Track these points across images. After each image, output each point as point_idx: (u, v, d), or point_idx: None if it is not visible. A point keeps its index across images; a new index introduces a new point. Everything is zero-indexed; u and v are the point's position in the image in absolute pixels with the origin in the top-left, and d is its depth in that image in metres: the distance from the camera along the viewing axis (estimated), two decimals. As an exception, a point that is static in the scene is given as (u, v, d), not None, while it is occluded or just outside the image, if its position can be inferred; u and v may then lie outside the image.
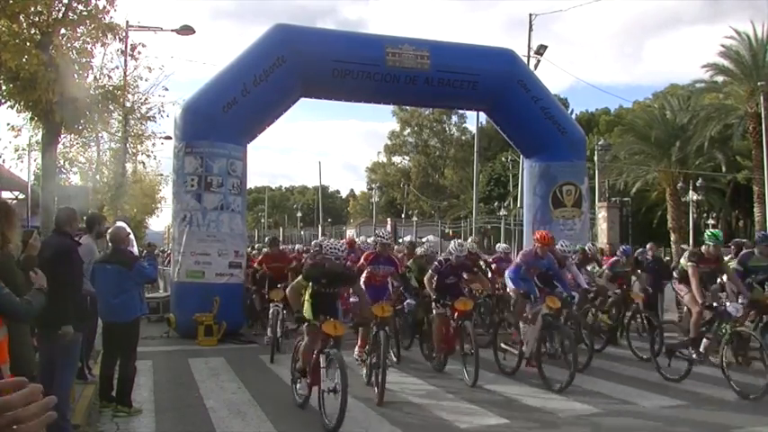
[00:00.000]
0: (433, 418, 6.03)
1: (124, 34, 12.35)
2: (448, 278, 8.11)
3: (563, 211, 13.92)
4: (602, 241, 22.43)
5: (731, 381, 6.73)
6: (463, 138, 58.83)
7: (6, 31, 7.29)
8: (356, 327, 7.38)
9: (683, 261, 7.87)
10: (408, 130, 61.23)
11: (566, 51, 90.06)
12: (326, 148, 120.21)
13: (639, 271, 10.95)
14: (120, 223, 7.65)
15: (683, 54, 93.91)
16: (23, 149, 11.43)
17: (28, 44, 7.47)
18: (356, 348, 7.87)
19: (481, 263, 10.82)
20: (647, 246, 12.90)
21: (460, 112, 52.49)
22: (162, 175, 21.58)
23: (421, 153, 60.36)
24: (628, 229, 31.07)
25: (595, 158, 29.25)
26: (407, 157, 62.49)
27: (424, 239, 16.42)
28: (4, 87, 7.90)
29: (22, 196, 12.80)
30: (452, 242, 8.55)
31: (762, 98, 23.67)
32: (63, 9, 8.01)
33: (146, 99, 14.28)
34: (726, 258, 8.79)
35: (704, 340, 7.19)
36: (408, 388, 7.22)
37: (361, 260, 8.69)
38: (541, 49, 24.71)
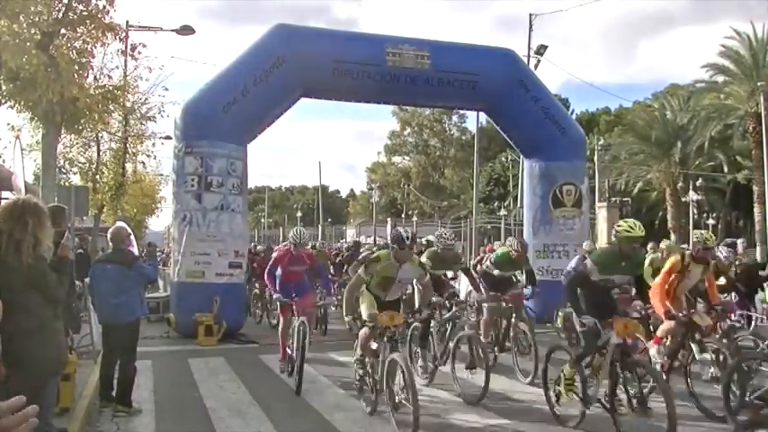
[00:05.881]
0: (432, 417, 6.02)
1: (124, 34, 12.36)
2: None
3: (563, 211, 13.92)
4: (603, 241, 22.44)
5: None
6: (463, 138, 58.85)
7: (6, 31, 7.30)
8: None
9: None
10: (408, 130, 61.27)
11: (558, 51, 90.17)
12: (323, 148, 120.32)
13: None
14: (120, 223, 7.65)
15: (675, 53, 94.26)
16: (24, 149, 11.43)
17: (28, 44, 7.48)
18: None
19: None
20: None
21: (460, 112, 52.52)
22: (162, 175, 21.55)
23: (421, 153, 60.40)
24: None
25: (595, 158, 29.28)
26: (407, 157, 62.54)
27: (423, 239, 16.40)
28: (4, 87, 7.91)
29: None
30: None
31: (762, 98, 23.68)
32: (63, 9, 8.02)
33: (146, 99, 14.32)
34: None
35: None
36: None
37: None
38: (541, 49, 24.74)
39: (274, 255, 8.50)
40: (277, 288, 7.77)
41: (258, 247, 19.85)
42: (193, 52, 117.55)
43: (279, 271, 7.86)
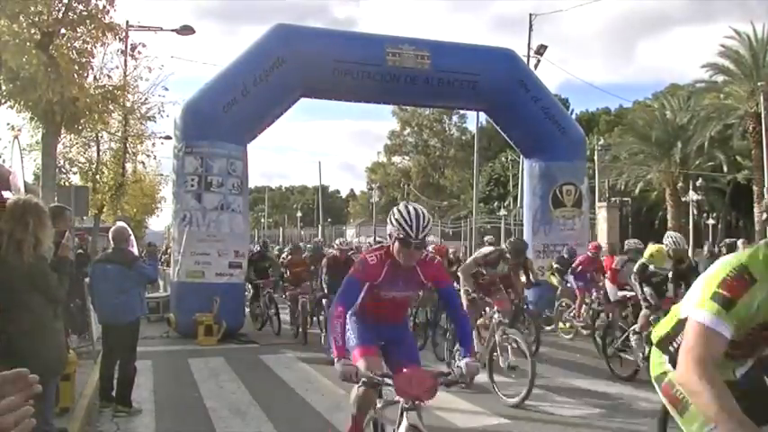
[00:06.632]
0: (432, 417, 6.01)
1: (124, 34, 12.35)
2: None
3: (563, 211, 13.94)
4: (603, 241, 22.45)
5: None
6: (463, 138, 58.83)
7: (6, 31, 7.29)
8: None
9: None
10: (408, 130, 61.26)
11: (557, 51, 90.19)
12: (323, 148, 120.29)
13: None
14: (120, 223, 7.65)
15: (675, 53, 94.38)
16: (24, 149, 11.42)
17: (28, 44, 7.47)
18: None
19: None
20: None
21: (461, 112, 52.51)
22: (162, 175, 21.56)
23: (421, 153, 60.38)
24: (628, 230, 31.08)
25: (595, 158, 29.29)
26: (407, 157, 62.52)
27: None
28: (4, 87, 7.90)
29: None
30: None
31: (762, 98, 23.69)
32: (63, 9, 8.00)
33: (146, 99, 14.28)
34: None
35: None
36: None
37: None
38: (541, 49, 24.75)
39: (357, 265, 3.69)
40: (344, 341, 3.35)
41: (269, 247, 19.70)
42: (193, 52, 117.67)
43: (361, 297, 3.59)
